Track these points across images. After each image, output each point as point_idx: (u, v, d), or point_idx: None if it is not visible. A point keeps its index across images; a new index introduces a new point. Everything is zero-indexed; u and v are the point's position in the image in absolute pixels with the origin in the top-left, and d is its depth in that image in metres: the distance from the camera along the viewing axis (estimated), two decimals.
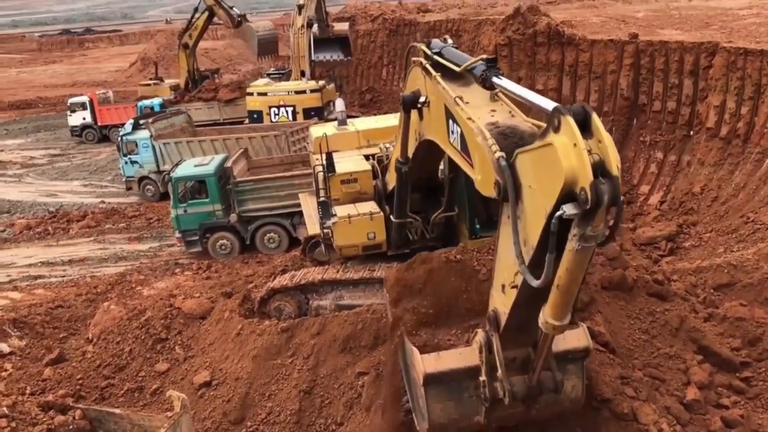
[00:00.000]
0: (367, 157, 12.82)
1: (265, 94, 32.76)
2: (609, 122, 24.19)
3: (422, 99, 8.63)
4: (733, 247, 15.39)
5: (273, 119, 32.07)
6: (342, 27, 37.30)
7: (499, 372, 6.37)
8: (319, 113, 31.04)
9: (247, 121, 32.91)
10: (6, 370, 13.08)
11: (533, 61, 25.92)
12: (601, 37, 24.75)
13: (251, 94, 33.36)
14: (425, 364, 6.90)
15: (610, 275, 12.34)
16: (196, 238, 21.02)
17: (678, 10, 32.53)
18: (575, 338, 7.02)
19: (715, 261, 14.30)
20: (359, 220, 12.29)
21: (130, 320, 13.12)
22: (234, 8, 38.01)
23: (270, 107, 32.39)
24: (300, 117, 31.50)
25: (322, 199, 12.64)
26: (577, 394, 7.18)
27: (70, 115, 41.80)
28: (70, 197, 29.25)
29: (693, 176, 20.51)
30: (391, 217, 11.80)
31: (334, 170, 12.18)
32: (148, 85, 43.86)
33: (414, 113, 9.04)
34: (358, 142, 13.36)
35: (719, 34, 23.26)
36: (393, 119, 13.12)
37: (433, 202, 11.82)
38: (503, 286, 6.06)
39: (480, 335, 6.58)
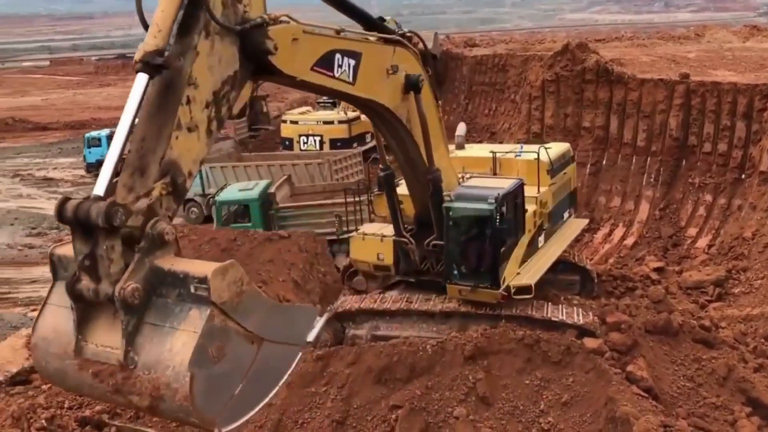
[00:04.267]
0: None
1: (296, 122, 33.33)
2: (657, 162, 23.78)
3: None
4: None
5: (302, 147, 32.56)
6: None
7: None
8: (345, 144, 31.30)
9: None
10: (47, 384, 13.29)
11: (581, 98, 25.75)
12: (651, 76, 24.49)
13: (285, 121, 33.95)
14: None
15: (654, 319, 12.01)
16: None
17: (731, 51, 32.02)
18: None
19: (766, 309, 13.78)
20: (371, 240, 12.80)
21: None
22: None
23: (300, 135, 32.94)
24: (326, 147, 31.94)
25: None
26: None
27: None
28: None
29: (744, 220, 19.94)
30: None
31: (381, 190, 12.46)
32: None
33: None
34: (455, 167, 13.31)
35: None
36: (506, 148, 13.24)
37: (429, 230, 11.91)
38: None
39: None
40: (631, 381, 10.76)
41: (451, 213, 11.44)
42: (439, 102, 11.96)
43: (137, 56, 6.52)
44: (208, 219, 26.94)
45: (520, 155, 13.25)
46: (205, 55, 6.84)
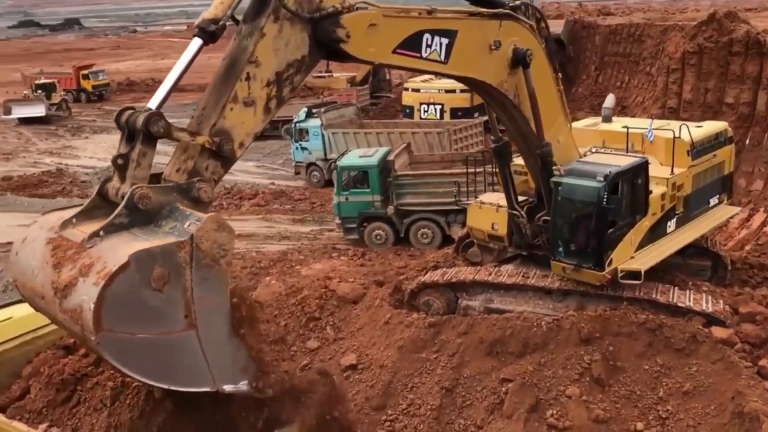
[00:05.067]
0: None
1: (418, 90, 33.14)
2: None
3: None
4: None
5: (422, 116, 32.41)
6: (556, 28, 36.08)
7: None
8: (466, 114, 30.77)
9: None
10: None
11: (725, 72, 23.88)
12: None
13: (407, 89, 33.86)
14: None
15: None
16: (354, 225, 21.73)
17: None
18: None
19: None
20: (488, 209, 12.78)
21: (288, 296, 13.79)
22: None
23: (421, 104, 32.76)
24: (447, 116, 31.57)
25: None
26: None
27: None
28: (244, 176, 31.44)
29: None
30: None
31: (511, 158, 12.29)
32: (322, 77, 45.72)
33: None
34: (593, 141, 12.97)
35: None
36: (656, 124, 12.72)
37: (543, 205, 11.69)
38: None
39: None
40: (764, 377, 10.04)
41: (559, 188, 11.09)
42: (558, 74, 11.52)
43: (196, 22, 7.10)
44: (328, 183, 27.73)
45: (651, 133, 12.48)
46: (271, 38, 7.15)
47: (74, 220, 6.57)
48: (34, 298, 6.64)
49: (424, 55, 8.83)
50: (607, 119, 13.85)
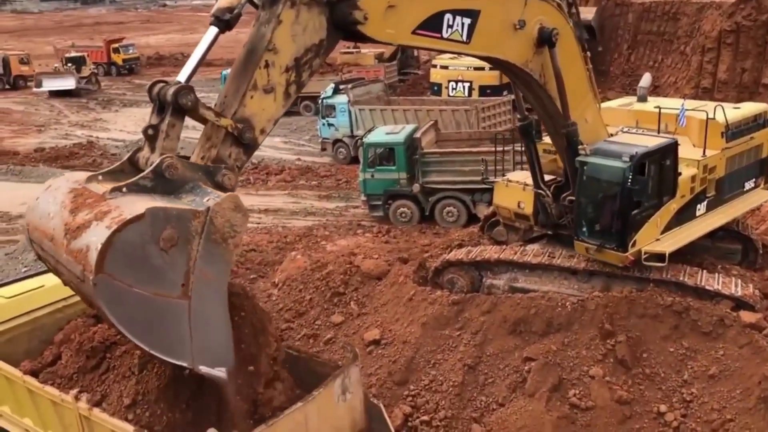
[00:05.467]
0: None
1: (446, 67, 32.76)
2: None
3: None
4: None
5: (450, 93, 32.07)
6: (586, 15, 35.30)
7: None
8: (495, 92, 30.39)
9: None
10: None
11: (763, 52, 23.31)
12: None
13: (435, 66, 33.49)
14: None
15: None
16: (380, 203, 21.72)
17: None
18: None
19: None
20: (514, 187, 12.70)
21: (313, 271, 13.91)
22: None
23: (449, 81, 32.41)
24: (475, 94, 31.23)
25: None
26: None
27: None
28: (271, 152, 31.56)
29: None
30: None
31: (540, 137, 12.19)
32: (350, 53, 45.51)
33: None
34: (627, 121, 12.80)
35: None
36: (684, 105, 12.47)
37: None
38: None
39: None
40: None
41: (584, 168, 10.96)
42: (587, 53, 11.31)
43: (212, 11, 7.27)
44: (354, 160, 27.72)
45: (683, 118, 12.22)
46: (288, 24, 7.18)
47: (100, 177, 6.84)
48: (42, 241, 6.80)
49: (445, 35, 8.71)
50: (643, 99, 13.61)
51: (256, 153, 8.05)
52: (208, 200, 6.25)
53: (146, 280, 6.01)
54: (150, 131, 6.83)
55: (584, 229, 11.25)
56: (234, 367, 6.75)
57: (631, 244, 10.83)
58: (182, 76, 7.08)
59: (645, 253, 10.90)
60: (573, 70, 10.76)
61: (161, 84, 6.94)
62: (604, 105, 14.34)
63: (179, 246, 6.07)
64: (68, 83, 48.35)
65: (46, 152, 33.26)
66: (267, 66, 7.12)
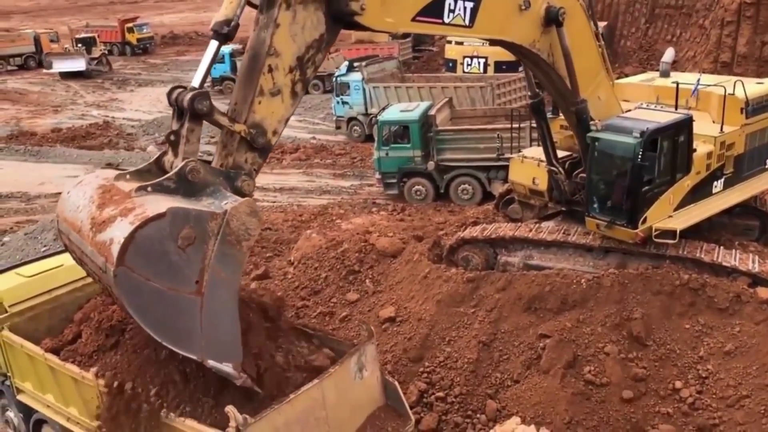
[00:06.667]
0: None
1: (461, 43, 32.39)
2: None
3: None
4: None
5: (465, 69, 31.76)
6: None
7: None
8: (511, 68, 30.05)
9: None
10: None
11: None
12: None
13: (450, 42, 33.15)
14: None
15: None
16: (394, 181, 21.71)
17: None
18: None
19: None
20: (529, 163, 12.74)
21: (328, 249, 13.97)
22: None
23: (464, 57, 32.10)
24: (491, 69, 30.89)
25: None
26: None
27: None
28: (286, 131, 30.97)
29: None
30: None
31: (557, 114, 12.17)
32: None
33: None
34: (647, 96, 12.64)
35: None
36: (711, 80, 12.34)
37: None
38: None
39: None
40: None
41: (595, 144, 10.87)
42: (599, 30, 11.15)
43: (211, 25, 7.43)
44: (369, 138, 27.67)
45: (696, 89, 12.01)
46: (286, 26, 7.28)
47: (128, 176, 7.27)
48: (69, 232, 7.27)
49: (446, 20, 8.64)
50: (665, 74, 13.41)
51: None
52: (225, 204, 6.58)
53: (163, 275, 6.36)
54: (172, 137, 7.19)
55: (595, 205, 11.20)
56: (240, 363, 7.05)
57: (641, 220, 10.75)
58: (196, 80, 7.30)
59: (656, 229, 10.83)
60: (584, 48, 10.63)
61: (179, 90, 7.24)
62: (624, 80, 14.17)
63: (196, 245, 6.40)
64: (78, 65, 48.31)
65: (63, 132, 33.52)
66: (271, 70, 7.29)
